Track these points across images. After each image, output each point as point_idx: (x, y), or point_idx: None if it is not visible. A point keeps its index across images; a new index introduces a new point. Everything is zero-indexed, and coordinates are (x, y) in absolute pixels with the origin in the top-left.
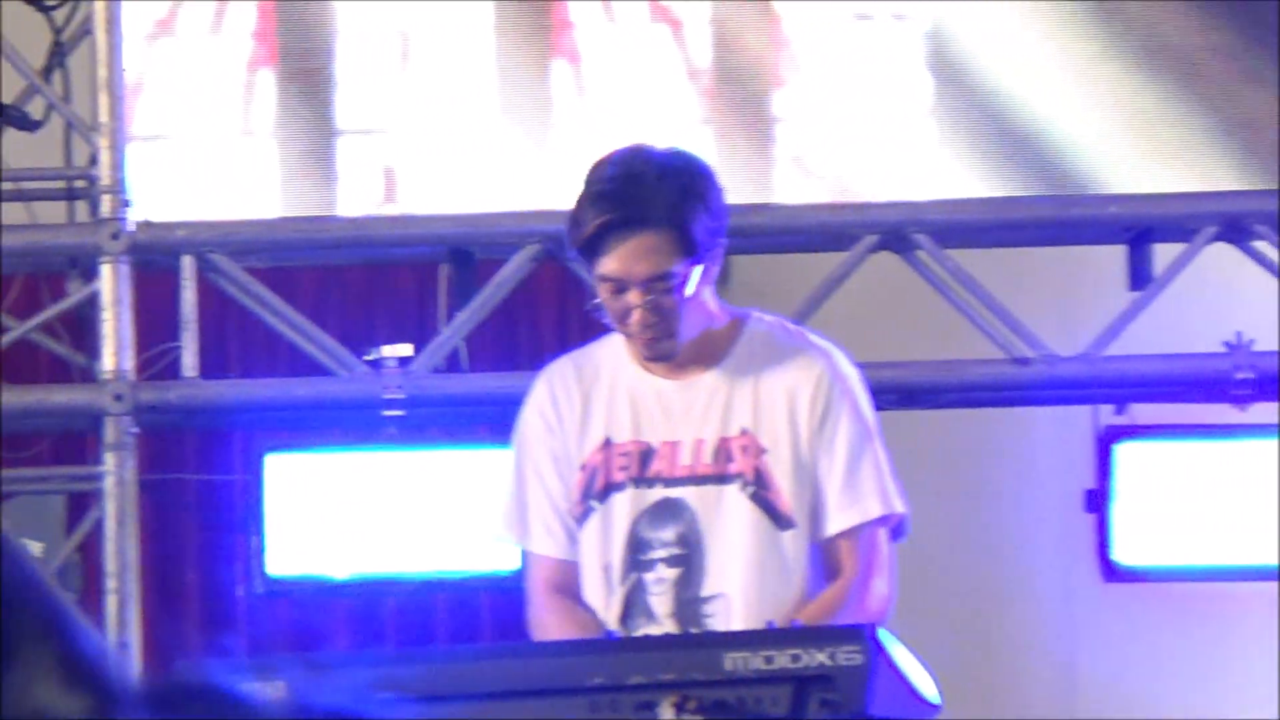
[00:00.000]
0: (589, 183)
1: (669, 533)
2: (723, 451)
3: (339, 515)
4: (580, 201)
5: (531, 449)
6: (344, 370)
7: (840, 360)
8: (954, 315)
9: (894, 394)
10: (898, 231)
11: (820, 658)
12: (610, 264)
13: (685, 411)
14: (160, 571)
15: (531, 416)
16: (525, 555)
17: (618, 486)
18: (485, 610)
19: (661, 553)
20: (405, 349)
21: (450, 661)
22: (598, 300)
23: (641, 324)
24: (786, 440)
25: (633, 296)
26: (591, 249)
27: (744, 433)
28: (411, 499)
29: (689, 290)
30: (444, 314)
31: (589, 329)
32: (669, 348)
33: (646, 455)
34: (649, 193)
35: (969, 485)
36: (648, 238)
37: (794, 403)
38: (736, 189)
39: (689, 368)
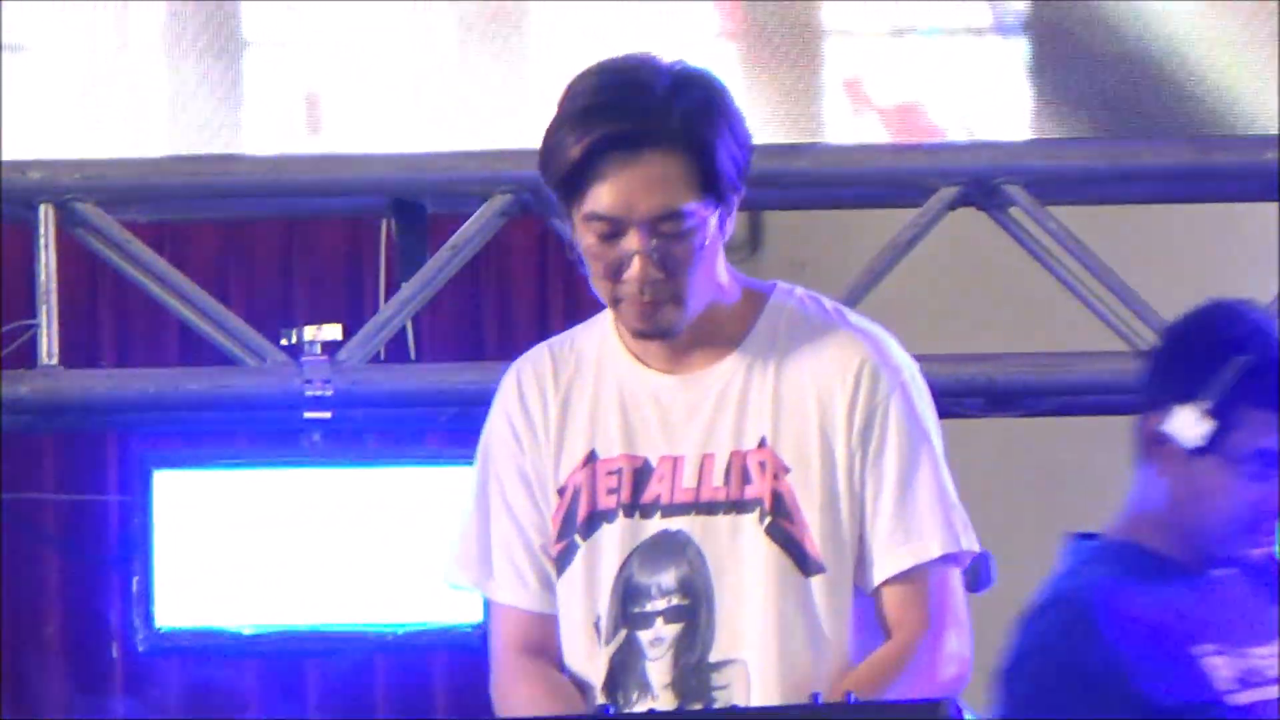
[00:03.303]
0: (572, 97)
1: (668, 577)
2: (736, 470)
3: (247, 550)
4: (559, 123)
5: (497, 468)
6: (253, 359)
7: (891, 347)
8: (1059, 293)
9: (980, 397)
10: (984, 182)
11: None
12: (604, 196)
13: (688, 416)
14: (16, 619)
15: (498, 425)
16: (489, 605)
17: (606, 515)
18: (437, 675)
19: (660, 603)
20: (333, 331)
21: None
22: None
23: (642, 280)
24: (817, 456)
25: (632, 240)
26: (577, 179)
27: (762, 445)
28: (341, 530)
29: (707, 239)
30: (384, 285)
31: (576, 307)
32: (672, 318)
33: (641, 474)
34: (658, 104)
35: (1080, 517)
36: (656, 162)
37: (827, 405)
38: (770, 125)
39: (693, 356)
